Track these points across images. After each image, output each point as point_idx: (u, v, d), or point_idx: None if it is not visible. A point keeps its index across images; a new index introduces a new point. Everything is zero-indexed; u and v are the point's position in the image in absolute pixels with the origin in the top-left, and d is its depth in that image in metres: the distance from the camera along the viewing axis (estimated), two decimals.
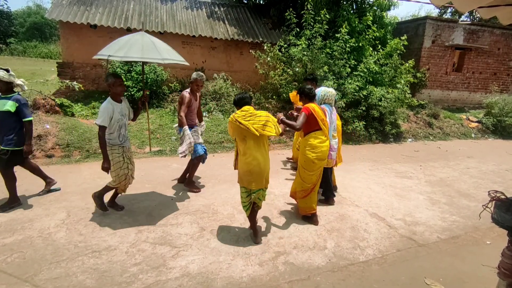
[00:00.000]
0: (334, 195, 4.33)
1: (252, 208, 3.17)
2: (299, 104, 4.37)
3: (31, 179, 4.49)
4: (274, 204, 4.17)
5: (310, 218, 3.70)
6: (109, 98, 3.43)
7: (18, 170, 4.81)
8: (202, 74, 4.25)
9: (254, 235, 3.24)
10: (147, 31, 8.71)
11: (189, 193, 4.34)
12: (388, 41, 9.53)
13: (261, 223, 3.62)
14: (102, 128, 3.28)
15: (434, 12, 28.56)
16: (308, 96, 3.67)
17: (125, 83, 7.55)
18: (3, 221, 3.35)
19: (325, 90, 4.06)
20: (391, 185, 5.18)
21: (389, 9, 9.95)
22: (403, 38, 8.68)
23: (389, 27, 10.28)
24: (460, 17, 17.02)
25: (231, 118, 3.01)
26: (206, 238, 3.23)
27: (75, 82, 6.98)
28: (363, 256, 3.09)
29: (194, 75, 4.21)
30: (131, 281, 2.54)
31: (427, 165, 6.55)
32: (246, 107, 3.07)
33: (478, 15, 17.02)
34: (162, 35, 9.01)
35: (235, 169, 3.30)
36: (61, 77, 8.42)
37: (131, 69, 7.79)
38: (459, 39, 11.63)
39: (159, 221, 3.52)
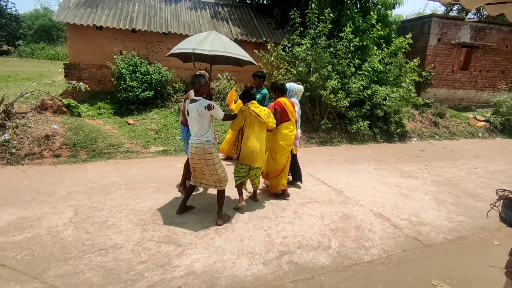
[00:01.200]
0: (301, 181, 4.89)
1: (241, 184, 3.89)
2: (232, 107, 5.47)
3: (39, 178, 4.57)
4: (278, 203, 4.18)
5: (281, 194, 4.32)
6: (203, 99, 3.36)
7: (28, 170, 4.91)
8: (205, 72, 4.21)
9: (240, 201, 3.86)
10: (151, 32, 8.83)
11: (194, 193, 4.36)
12: (393, 39, 9.47)
13: (265, 222, 3.64)
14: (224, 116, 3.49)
15: (440, 10, 28.32)
16: (281, 91, 4.22)
17: (130, 83, 7.64)
18: (12, 219, 3.41)
19: (297, 87, 4.59)
20: (396, 185, 5.15)
21: (393, 8, 9.88)
22: (408, 36, 8.63)
23: (394, 26, 10.21)
24: (467, 14, 16.83)
25: (245, 108, 3.69)
26: (210, 237, 3.25)
27: (81, 83, 7.05)
28: (368, 256, 3.08)
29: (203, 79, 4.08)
30: (137, 279, 2.57)
31: (433, 165, 6.50)
32: (253, 101, 3.76)
33: (486, 12, 16.86)
34: (166, 35, 9.07)
35: (237, 154, 3.90)
36: (68, 78, 8.53)
37: (136, 69, 7.85)
38: (466, 37, 11.51)
39: (164, 220, 3.55)
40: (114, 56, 8.12)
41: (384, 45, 8.92)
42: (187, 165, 4.18)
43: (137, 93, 7.65)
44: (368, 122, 8.25)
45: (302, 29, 8.24)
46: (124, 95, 7.68)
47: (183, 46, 3.61)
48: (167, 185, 4.61)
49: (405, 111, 9.57)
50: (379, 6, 9.72)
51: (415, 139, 9.02)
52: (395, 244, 3.33)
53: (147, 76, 7.85)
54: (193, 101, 3.34)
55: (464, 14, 17.85)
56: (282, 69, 8.17)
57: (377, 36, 8.73)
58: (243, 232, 3.38)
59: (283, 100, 4.14)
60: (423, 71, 10.82)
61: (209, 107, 3.26)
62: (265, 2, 11.98)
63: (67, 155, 5.58)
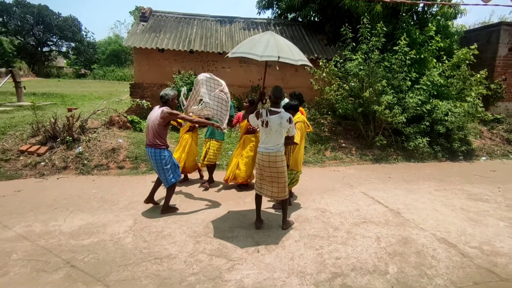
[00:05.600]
0: None
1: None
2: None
3: (106, 188, 5.01)
4: (330, 222, 4.02)
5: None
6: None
7: (96, 179, 5.42)
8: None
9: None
10: (207, 52, 9.38)
11: (244, 208, 4.41)
12: (455, 51, 8.81)
13: (316, 241, 3.51)
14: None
15: (509, 17, 25.75)
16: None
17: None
18: (82, 224, 3.76)
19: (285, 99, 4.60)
20: (463, 208, 4.65)
21: (455, 18, 9.23)
22: (472, 47, 7.96)
23: (456, 37, 9.51)
24: None
25: (303, 118, 4.11)
26: (261, 253, 3.23)
27: (144, 101, 7.70)
28: (432, 286, 2.79)
29: (171, 91, 3.98)
30: None
31: (508, 187, 5.75)
32: (298, 112, 4.11)
33: None
34: (221, 55, 9.56)
35: (290, 164, 4.04)
36: (133, 97, 9.38)
37: (192, 87, 8.34)
38: None
39: (215, 233, 3.63)
40: (173, 76, 8.76)
41: (445, 57, 8.33)
42: (158, 181, 4.30)
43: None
44: (428, 139, 7.66)
45: (354, 44, 8.08)
46: (182, 111, 8.17)
47: (250, 51, 3.68)
48: (218, 199, 4.73)
49: (471, 127, 8.72)
50: (439, 17, 9.17)
51: (483, 158, 8.12)
52: (464, 275, 2.97)
53: None
54: (273, 113, 3.46)
55: None
56: (334, 85, 8.04)
57: (437, 48, 8.20)
58: (293, 250, 3.30)
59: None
60: (492, 84, 9.81)
61: (290, 120, 3.49)
62: (316, 19, 12.04)
63: (129, 167, 6.05)
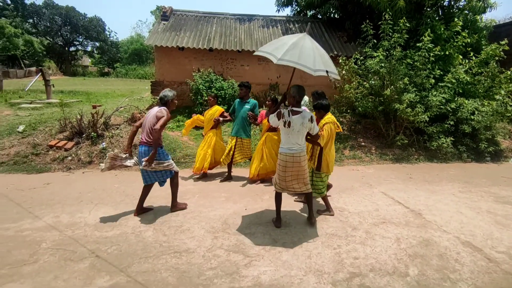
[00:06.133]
0: None
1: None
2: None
3: (127, 182, 5.17)
4: (349, 221, 3.98)
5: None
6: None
7: (118, 174, 5.59)
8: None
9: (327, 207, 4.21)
10: (226, 50, 9.45)
11: (262, 205, 4.43)
12: (483, 47, 8.43)
13: (334, 240, 3.49)
14: None
15: None
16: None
17: (206, 98, 8.23)
18: (106, 217, 3.91)
19: (306, 97, 4.79)
20: (490, 211, 4.47)
21: (484, 12, 8.83)
22: (502, 42, 7.60)
23: (484, 32, 9.11)
24: None
25: (333, 119, 3.97)
26: (278, 250, 3.24)
27: None
28: None
29: (170, 93, 3.93)
30: (207, 284, 2.69)
31: None
32: (329, 113, 4.06)
33: None
34: (240, 53, 9.61)
35: (315, 165, 4.01)
36: (153, 94, 9.61)
37: (211, 85, 8.45)
38: None
39: (233, 229, 3.67)
40: (193, 74, 8.89)
41: (471, 54, 8.00)
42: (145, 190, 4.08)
43: (207, 108, 8.20)
44: (452, 138, 7.39)
45: (375, 41, 7.90)
46: (201, 109, 8.30)
47: (285, 53, 3.29)
48: (237, 195, 4.78)
49: (500, 127, 8.35)
50: (466, 12, 8.80)
51: None
52: (490, 281, 2.86)
53: (222, 92, 8.37)
54: (295, 113, 3.44)
55: None
56: (353, 83, 7.90)
57: (463, 44, 7.88)
58: (311, 249, 3.29)
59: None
60: None
61: (311, 119, 3.47)
62: (336, 16, 11.86)
63: None
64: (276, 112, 3.49)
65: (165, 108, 3.85)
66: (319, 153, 3.97)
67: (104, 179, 5.35)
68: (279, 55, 3.27)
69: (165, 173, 3.99)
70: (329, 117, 3.99)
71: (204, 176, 5.62)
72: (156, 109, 3.88)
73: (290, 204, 4.51)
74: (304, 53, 3.25)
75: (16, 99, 11.17)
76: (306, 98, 4.86)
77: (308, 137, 3.63)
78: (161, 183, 4.11)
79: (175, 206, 4.18)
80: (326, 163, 3.98)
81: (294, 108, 3.46)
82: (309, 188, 3.69)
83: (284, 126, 3.44)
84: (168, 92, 3.92)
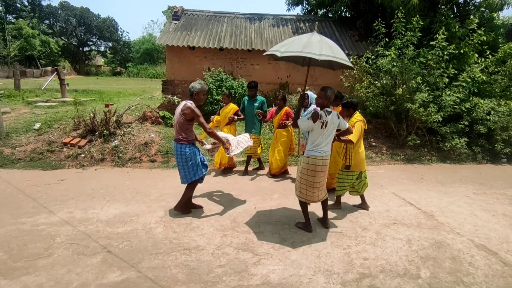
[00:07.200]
0: None
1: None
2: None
3: (139, 180, 5.25)
4: (359, 222, 3.94)
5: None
6: None
7: (130, 172, 5.67)
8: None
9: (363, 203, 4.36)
10: (236, 49, 9.48)
11: (271, 204, 4.43)
12: (500, 45, 8.20)
13: (344, 240, 3.46)
14: None
15: None
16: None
17: (216, 97, 8.27)
18: (117, 213, 3.97)
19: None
20: (506, 214, 4.35)
21: (501, 9, 8.59)
22: None
23: (502, 30, 8.87)
24: None
25: (362, 117, 3.99)
26: (287, 249, 3.24)
27: (175, 97, 7.95)
28: None
29: (198, 85, 3.73)
30: (216, 281, 2.70)
31: None
32: (357, 112, 4.07)
33: None
34: (250, 52, 9.61)
35: (349, 163, 4.03)
36: (164, 93, 9.71)
37: (222, 84, 8.49)
38: None
39: (242, 227, 3.68)
40: (203, 73, 8.96)
41: (488, 52, 7.80)
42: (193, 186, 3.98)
43: (222, 106, 8.24)
44: (466, 139, 7.23)
45: (387, 39, 7.79)
46: (210, 108, 8.34)
47: (294, 49, 3.37)
48: (246, 194, 4.79)
49: None
50: (482, 9, 8.58)
51: None
52: (506, 285, 2.79)
53: (232, 90, 8.40)
54: (328, 112, 3.33)
55: None
56: (365, 82, 7.81)
57: (479, 42, 7.68)
58: (320, 248, 3.27)
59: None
60: None
61: (338, 116, 3.41)
62: (347, 15, 11.74)
63: (160, 160, 6.29)
64: (312, 114, 3.33)
65: (191, 102, 3.66)
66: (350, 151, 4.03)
67: (116, 176, 5.44)
68: (282, 50, 3.31)
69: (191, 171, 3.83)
70: (358, 115, 4.03)
71: (226, 172, 5.84)
72: (182, 104, 3.68)
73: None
74: (310, 44, 3.26)
75: (32, 97, 11.49)
76: (314, 95, 4.85)
77: (338, 135, 3.62)
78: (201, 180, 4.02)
79: (179, 208, 4.01)
80: (357, 161, 4.01)
81: (327, 109, 3.38)
82: (326, 193, 3.67)
83: (321, 127, 3.30)
84: (195, 84, 3.69)
